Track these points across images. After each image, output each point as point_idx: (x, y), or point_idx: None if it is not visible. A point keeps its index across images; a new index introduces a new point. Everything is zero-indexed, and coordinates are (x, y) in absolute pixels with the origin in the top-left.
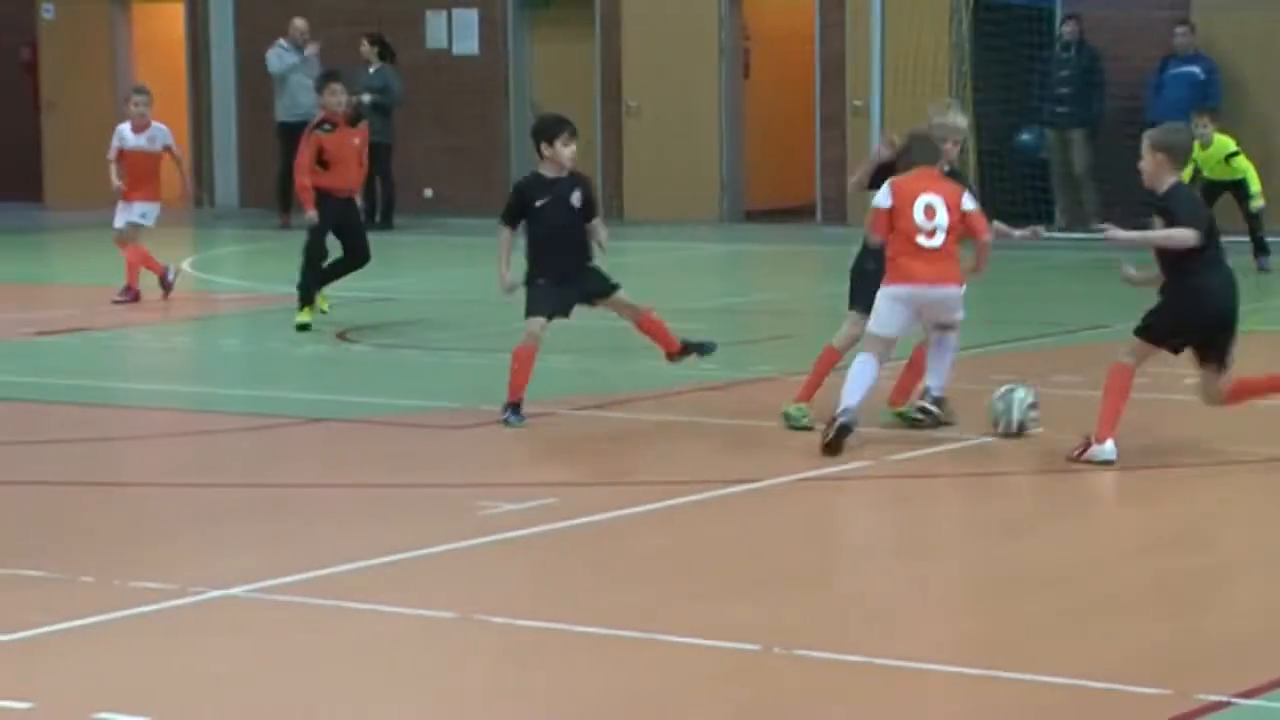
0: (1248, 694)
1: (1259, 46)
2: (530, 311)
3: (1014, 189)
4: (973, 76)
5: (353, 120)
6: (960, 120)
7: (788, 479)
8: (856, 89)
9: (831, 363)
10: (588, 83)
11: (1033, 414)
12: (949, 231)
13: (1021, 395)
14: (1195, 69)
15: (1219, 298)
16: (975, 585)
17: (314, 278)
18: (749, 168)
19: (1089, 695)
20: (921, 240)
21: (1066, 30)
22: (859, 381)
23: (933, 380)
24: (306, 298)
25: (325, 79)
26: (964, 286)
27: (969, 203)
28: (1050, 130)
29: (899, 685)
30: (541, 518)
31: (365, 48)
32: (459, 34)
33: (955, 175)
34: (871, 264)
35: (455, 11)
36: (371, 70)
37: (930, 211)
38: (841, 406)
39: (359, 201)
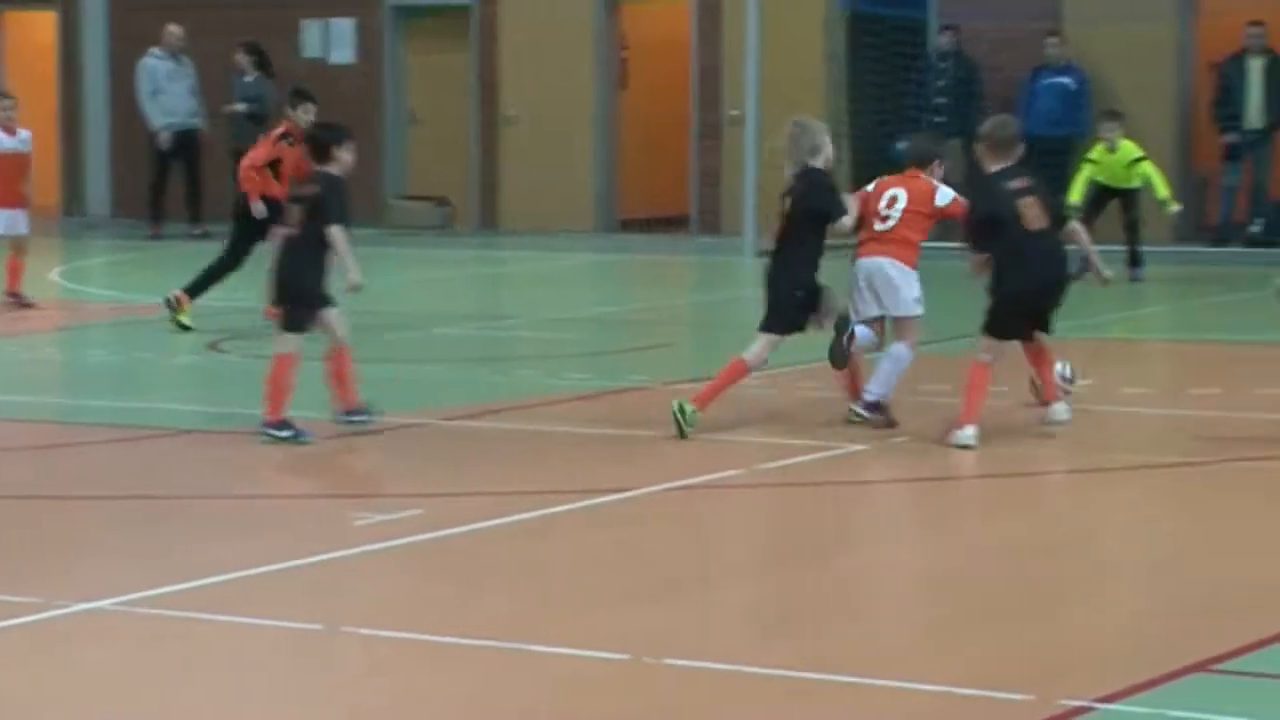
0: (1108, 699)
1: (1129, 57)
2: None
3: None
4: (848, 86)
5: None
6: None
7: (659, 488)
8: (733, 98)
9: (737, 375)
10: (464, 92)
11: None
12: (902, 218)
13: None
14: (1067, 80)
15: (1034, 277)
16: (847, 593)
17: (214, 279)
18: (624, 177)
19: (956, 702)
20: (876, 224)
21: (944, 41)
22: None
23: (868, 384)
24: (195, 294)
25: (301, 97)
26: (911, 270)
27: (942, 198)
28: None
29: (769, 695)
30: (411, 528)
31: (242, 57)
32: (335, 43)
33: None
34: (799, 291)
35: (332, 21)
36: (247, 80)
37: (892, 201)
38: (843, 318)
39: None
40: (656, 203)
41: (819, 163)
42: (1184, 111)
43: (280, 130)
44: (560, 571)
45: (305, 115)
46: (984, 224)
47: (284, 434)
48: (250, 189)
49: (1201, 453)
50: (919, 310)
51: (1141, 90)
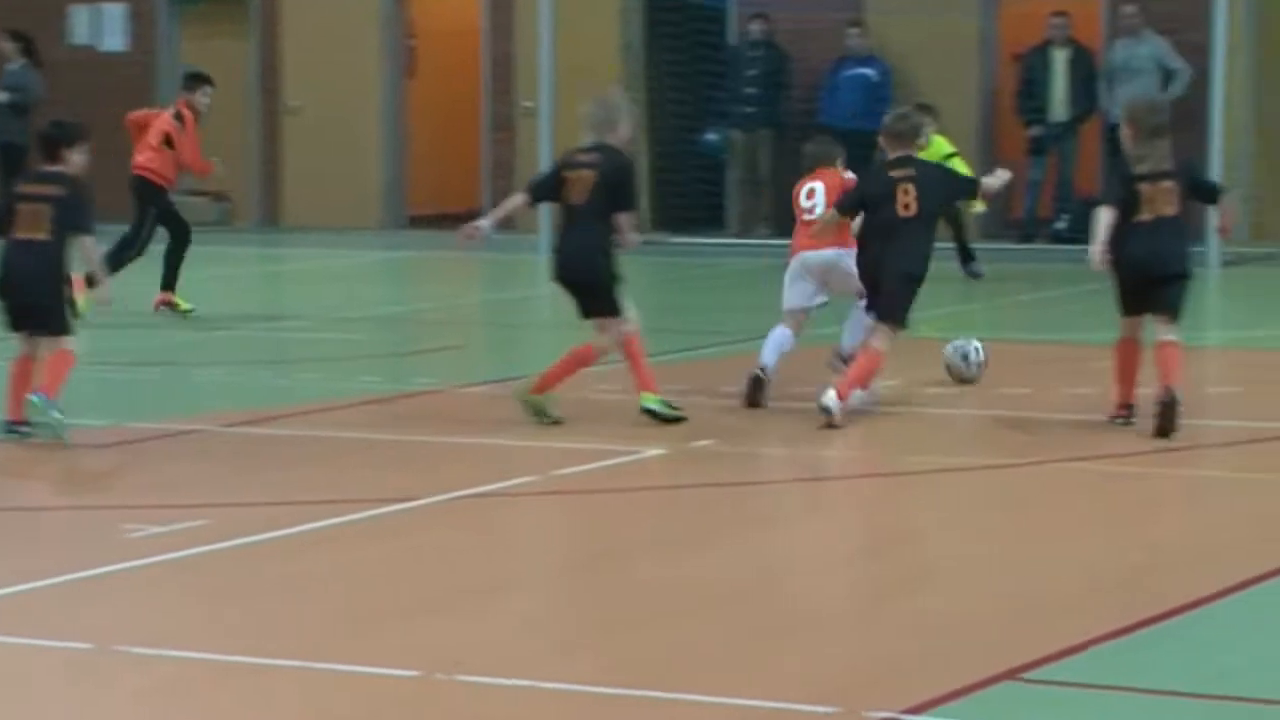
0: (915, 710)
1: (931, 48)
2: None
3: (687, 193)
4: (646, 77)
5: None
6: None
7: (451, 495)
8: (526, 89)
9: (579, 363)
10: (243, 82)
11: (975, 343)
12: (826, 208)
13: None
14: (869, 71)
15: (885, 260)
16: (648, 603)
17: (123, 259)
18: (413, 171)
19: (759, 716)
20: (804, 217)
21: (755, 29)
22: (773, 344)
23: (849, 346)
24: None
25: (199, 80)
26: (849, 251)
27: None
28: (738, 131)
29: (569, 710)
30: (191, 540)
31: (6, 44)
32: (106, 30)
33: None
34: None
35: (103, 6)
36: (12, 68)
37: (811, 193)
38: (759, 364)
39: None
40: (447, 198)
41: (616, 141)
42: (988, 104)
43: (173, 110)
44: (346, 584)
45: (204, 99)
46: (855, 199)
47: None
48: (205, 168)
49: (1012, 454)
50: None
51: (944, 82)
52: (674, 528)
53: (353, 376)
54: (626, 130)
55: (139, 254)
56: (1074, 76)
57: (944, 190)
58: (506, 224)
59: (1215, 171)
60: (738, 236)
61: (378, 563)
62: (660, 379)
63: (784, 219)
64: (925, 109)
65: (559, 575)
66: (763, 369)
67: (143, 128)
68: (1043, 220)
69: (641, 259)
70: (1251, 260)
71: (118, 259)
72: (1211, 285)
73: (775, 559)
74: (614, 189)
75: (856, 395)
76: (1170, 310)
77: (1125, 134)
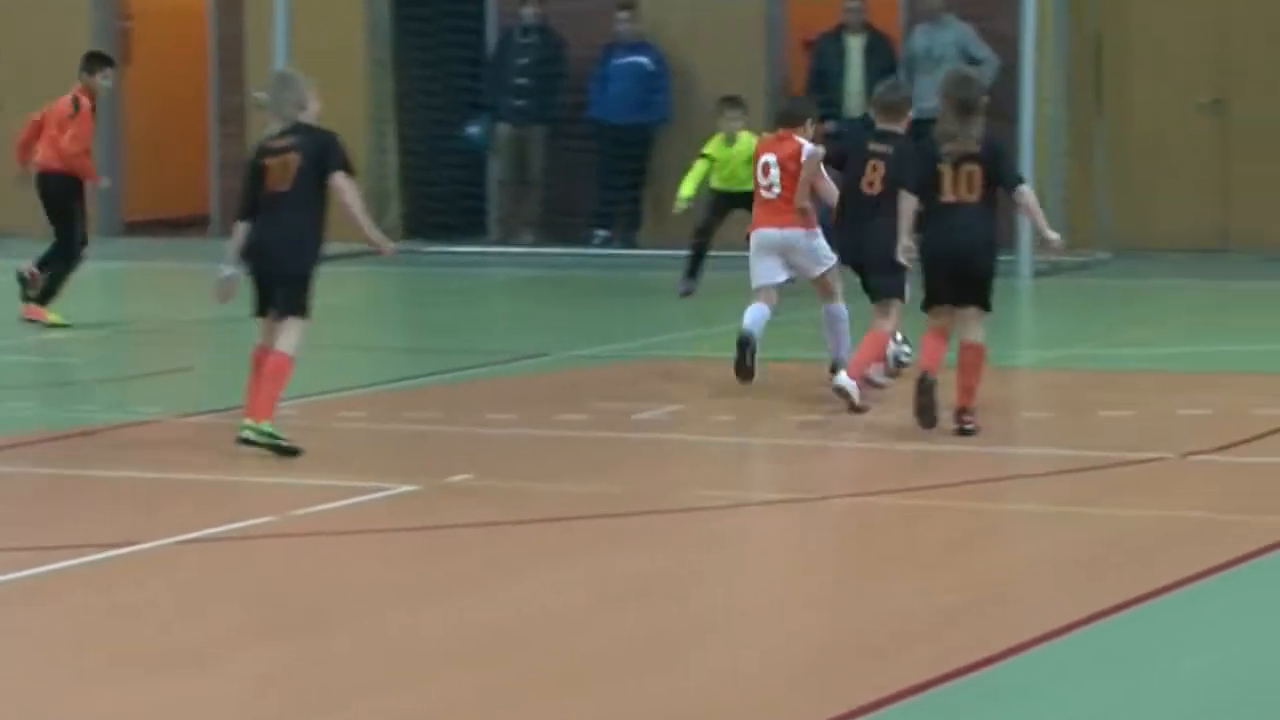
0: None
1: (711, 34)
2: None
3: (443, 195)
4: (395, 64)
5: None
6: None
7: (177, 539)
8: (257, 78)
9: (277, 374)
10: None
11: (904, 348)
12: (783, 184)
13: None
14: (643, 59)
15: (850, 237)
16: (411, 654)
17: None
18: (129, 171)
19: None
20: (763, 193)
21: (528, 12)
22: (753, 315)
23: (837, 353)
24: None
25: (100, 60)
26: (815, 229)
27: (805, 152)
28: (505, 126)
29: None
30: None
31: None
32: None
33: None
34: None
35: None
36: None
37: (766, 168)
38: (744, 330)
39: None
40: (169, 201)
41: (311, 119)
42: (776, 96)
43: (70, 96)
44: (59, 641)
45: (105, 82)
46: (836, 156)
47: None
48: (84, 167)
49: (808, 488)
50: (833, 260)
51: (728, 71)
52: (423, 573)
53: (64, 404)
54: (316, 106)
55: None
56: (871, 66)
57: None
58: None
59: (1026, 170)
60: (501, 244)
61: (96, 615)
62: (414, 405)
63: (554, 224)
64: (734, 102)
65: (298, 628)
66: (748, 335)
67: (39, 126)
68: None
69: (392, 270)
70: (1066, 270)
71: (60, 272)
72: (1023, 298)
73: (533, 607)
74: (322, 163)
75: (876, 372)
76: (978, 303)
77: (941, 109)
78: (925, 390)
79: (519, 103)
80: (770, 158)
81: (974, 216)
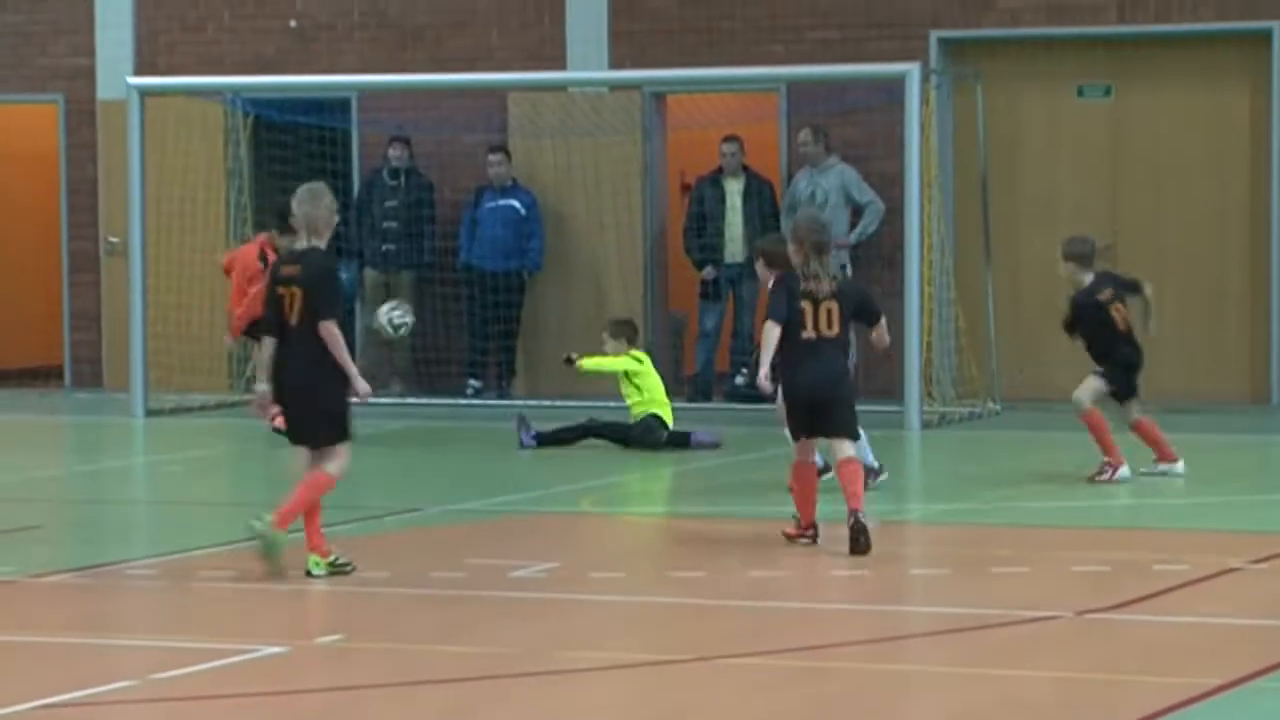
0: None
1: (585, 177)
2: None
3: None
4: (254, 209)
5: None
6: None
7: (28, 706)
8: (112, 223)
9: (318, 489)
10: None
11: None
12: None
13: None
14: (515, 203)
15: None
16: None
17: None
18: None
19: None
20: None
21: (395, 154)
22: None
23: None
24: None
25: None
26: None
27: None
28: (373, 272)
29: None
30: None
31: None
32: None
33: None
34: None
35: None
36: None
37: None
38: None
39: None
40: (20, 351)
41: (320, 241)
42: (655, 241)
43: (257, 249)
44: None
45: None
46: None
47: None
48: None
49: (681, 648)
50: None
51: (602, 216)
52: None
53: None
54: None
55: None
56: (750, 211)
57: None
58: (93, 379)
59: (913, 319)
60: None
61: None
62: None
63: (425, 373)
64: (621, 326)
65: None
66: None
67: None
68: (720, 375)
69: (255, 421)
70: (954, 421)
71: None
72: (911, 450)
73: None
74: (315, 303)
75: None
76: (843, 431)
77: (791, 251)
78: (858, 529)
79: (386, 248)
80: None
81: (835, 349)
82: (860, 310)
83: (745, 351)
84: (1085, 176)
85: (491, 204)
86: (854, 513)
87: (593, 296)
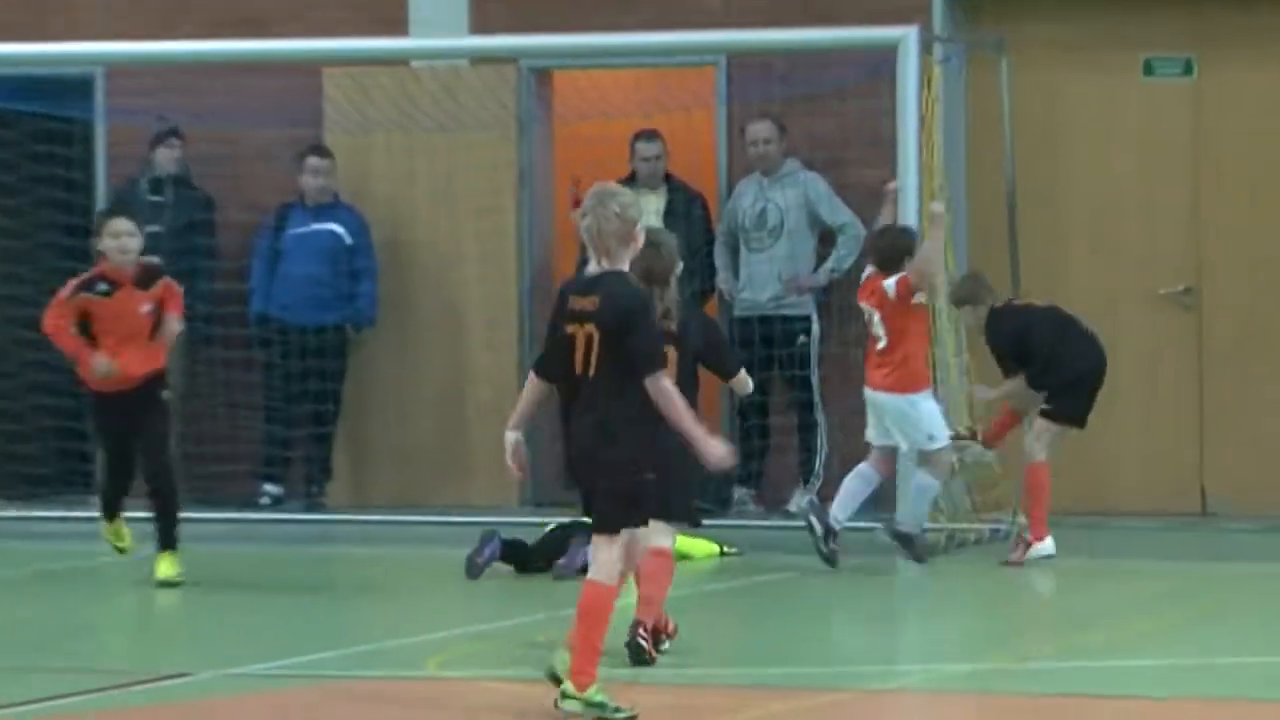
0: None
1: (441, 189)
2: None
3: (32, 433)
4: None
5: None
6: None
7: None
8: None
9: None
10: None
11: None
12: (887, 336)
13: None
14: (336, 227)
15: None
16: None
17: None
18: None
19: None
20: (877, 345)
21: (162, 158)
22: (849, 494)
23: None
24: None
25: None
26: (917, 394)
27: (889, 288)
28: None
29: None
30: None
31: None
32: None
33: None
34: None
35: None
36: None
37: (869, 319)
38: (831, 515)
39: None
40: None
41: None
42: (534, 282)
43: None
44: None
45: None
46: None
47: None
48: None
49: None
50: (936, 445)
51: (464, 242)
52: None
53: None
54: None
55: None
56: (674, 233)
57: None
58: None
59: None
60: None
61: None
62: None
63: (201, 476)
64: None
65: None
66: (833, 521)
67: None
68: None
69: None
70: (968, 544)
71: None
72: (906, 587)
73: None
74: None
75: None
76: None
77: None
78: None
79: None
80: (867, 307)
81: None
82: (705, 357)
83: None
84: (1154, 181)
85: (301, 229)
86: (638, 624)
87: (447, 360)
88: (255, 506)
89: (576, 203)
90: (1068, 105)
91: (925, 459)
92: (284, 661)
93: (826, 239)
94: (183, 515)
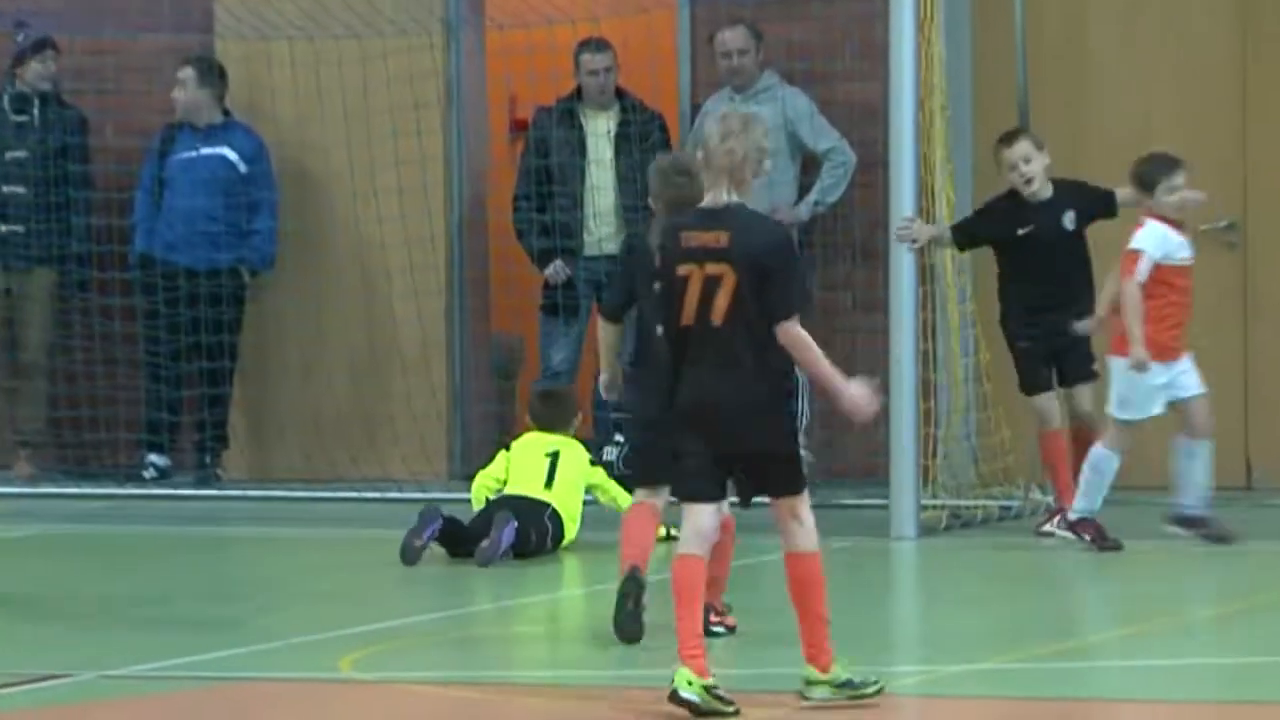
0: None
1: (351, 108)
2: None
3: None
4: None
5: None
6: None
7: None
8: None
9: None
10: None
11: None
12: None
13: None
14: (229, 152)
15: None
16: None
17: None
18: None
19: None
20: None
21: (33, 71)
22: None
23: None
24: None
25: None
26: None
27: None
28: None
29: None
30: None
31: None
32: None
33: None
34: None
35: None
36: None
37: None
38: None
39: None
40: None
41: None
42: (464, 219)
43: None
44: None
45: None
46: None
47: None
48: None
49: None
50: (1119, 414)
51: (380, 172)
52: None
53: None
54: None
55: None
56: (627, 165)
57: None
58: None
59: (904, 350)
60: None
61: None
62: None
63: (75, 445)
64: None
65: None
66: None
67: None
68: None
69: None
70: (974, 524)
71: None
72: (905, 571)
73: None
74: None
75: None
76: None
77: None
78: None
79: (6, 230)
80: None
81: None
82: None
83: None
84: (1192, 100)
85: (188, 154)
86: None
87: (363, 309)
88: (138, 480)
89: (517, 124)
90: (1092, 5)
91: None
92: (172, 661)
93: (809, 166)
94: (52, 490)
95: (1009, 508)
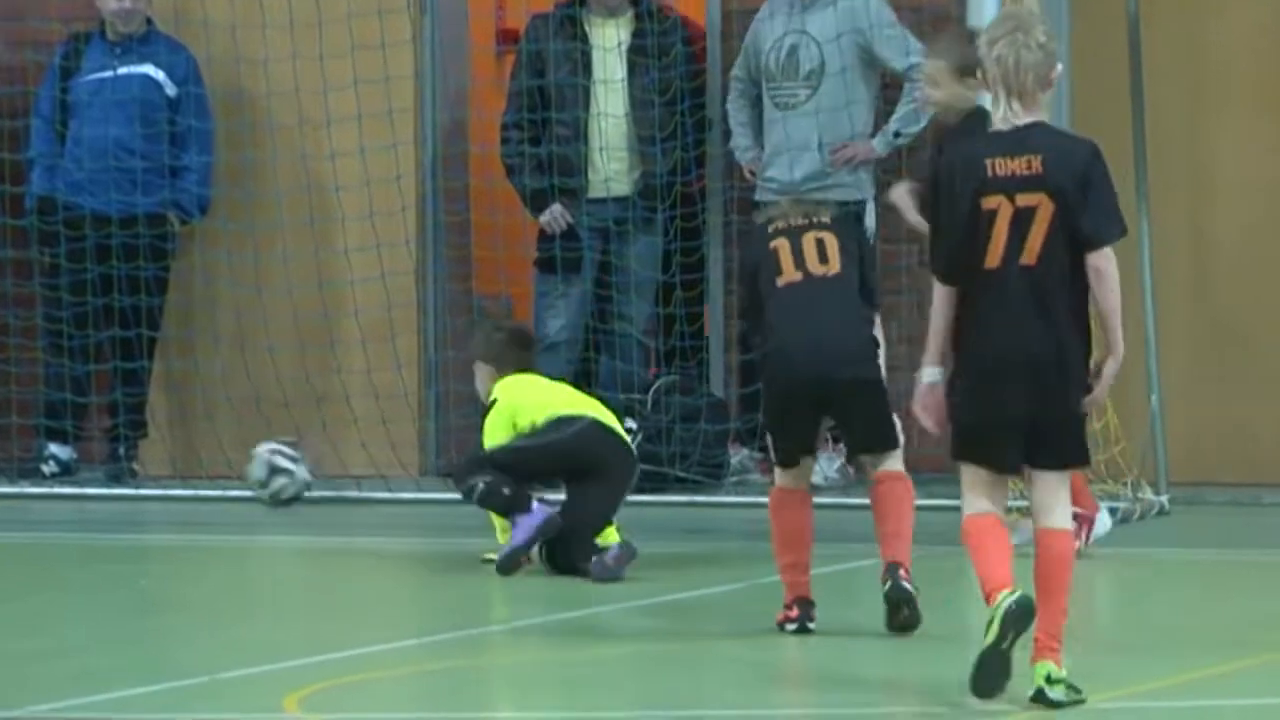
0: None
1: (287, 19)
2: None
3: None
4: None
5: None
6: None
7: None
8: None
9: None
10: None
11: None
12: None
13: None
14: (150, 70)
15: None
16: None
17: None
18: None
19: None
20: None
21: None
22: None
23: None
24: None
25: None
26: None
27: None
28: None
29: None
30: None
31: None
32: None
33: None
34: None
35: None
36: None
37: None
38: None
39: None
40: None
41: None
42: (438, 154)
43: None
44: None
45: None
46: None
47: None
48: None
49: None
50: None
51: (335, 102)
52: None
53: None
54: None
55: None
56: (643, 85)
57: None
58: None
59: None
60: None
61: None
62: None
63: None
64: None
65: None
66: None
67: None
68: None
69: None
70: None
71: None
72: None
73: None
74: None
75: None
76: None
77: None
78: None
79: None
80: None
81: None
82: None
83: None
84: None
85: (101, 73)
86: (893, 567)
87: (313, 265)
88: (35, 476)
89: (505, 35)
90: None
91: None
92: (80, 700)
93: (890, 89)
94: None
95: (1115, 510)
